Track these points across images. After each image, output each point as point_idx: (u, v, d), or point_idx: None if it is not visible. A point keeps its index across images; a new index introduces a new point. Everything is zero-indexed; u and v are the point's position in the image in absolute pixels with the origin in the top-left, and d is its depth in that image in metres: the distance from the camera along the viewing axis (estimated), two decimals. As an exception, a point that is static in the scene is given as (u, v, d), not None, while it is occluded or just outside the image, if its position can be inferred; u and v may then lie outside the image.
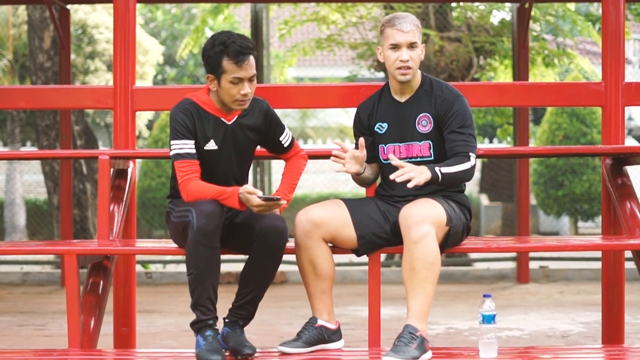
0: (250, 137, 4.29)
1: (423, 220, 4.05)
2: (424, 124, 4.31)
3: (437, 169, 4.14)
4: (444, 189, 4.32)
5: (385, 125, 4.37)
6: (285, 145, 4.43)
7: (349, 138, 21.34)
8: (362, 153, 4.28)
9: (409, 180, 4.06)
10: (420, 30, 4.31)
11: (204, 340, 4.04)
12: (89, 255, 4.64)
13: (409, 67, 4.27)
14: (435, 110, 4.30)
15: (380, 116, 4.39)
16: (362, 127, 4.43)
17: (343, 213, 4.27)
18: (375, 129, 4.39)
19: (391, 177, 4.11)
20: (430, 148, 4.31)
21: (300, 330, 4.25)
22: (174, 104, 4.27)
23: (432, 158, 4.30)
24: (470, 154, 4.25)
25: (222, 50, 4.09)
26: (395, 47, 4.27)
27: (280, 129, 4.39)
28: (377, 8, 11.29)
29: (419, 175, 4.08)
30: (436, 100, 4.31)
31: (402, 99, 4.38)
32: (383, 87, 4.47)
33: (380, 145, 4.38)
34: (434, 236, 4.07)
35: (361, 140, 4.29)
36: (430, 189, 4.30)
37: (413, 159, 4.30)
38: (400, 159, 4.30)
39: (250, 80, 4.14)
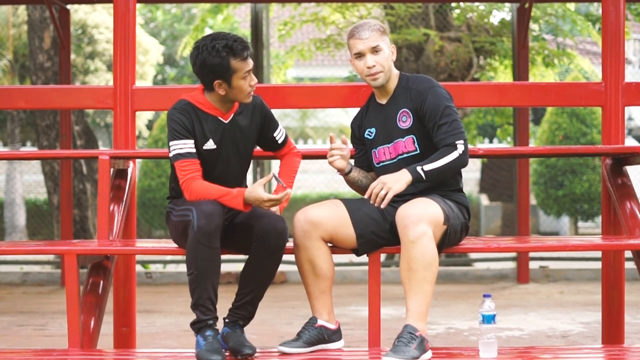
0: (247, 134, 4.30)
1: (420, 220, 4.05)
2: (404, 119, 4.33)
3: (418, 168, 4.16)
4: (442, 186, 4.31)
5: (373, 130, 4.42)
6: (280, 141, 4.45)
7: (349, 138, 21.31)
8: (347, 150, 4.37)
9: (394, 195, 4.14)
10: (382, 32, 4.33)
11: (204, 340, 4.04)
12: (89, 255, 4.64)
13: (377, 72, 4.30)
14: (412, 103, 4.31)
15: (368, 123, 4.46)
16: (355, 139, 4.55)
17: (342, 213, 4.27)
18: (365, 136, 4.44)
19: (366, 196, 4.21)
20: (414, 142, 4.31)
21: (300, 330, 4.25)
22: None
23: (419, 152, 4.29)
24: (457, 142, 4.22)
25: (228, 53, 4.10)
26: (359, 55, 4.32)
27: (274, 124, 4.41)
28: (377, 8, 11.29)
29: (395, 183, 4.12)
30: (411, 94, 4.33)
31: (384, 101, 4.41)
32: (370, 95, 4.52)
33: (372, 150, 4.43)
34: (431, 235, 4.07)
35: (343, 137, 4.39)
36: (426, 186, 4.30)
37: (401, 157, 4.32)
38: (390, 158, 4.34)
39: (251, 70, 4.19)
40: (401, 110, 4.34)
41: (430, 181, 4.21)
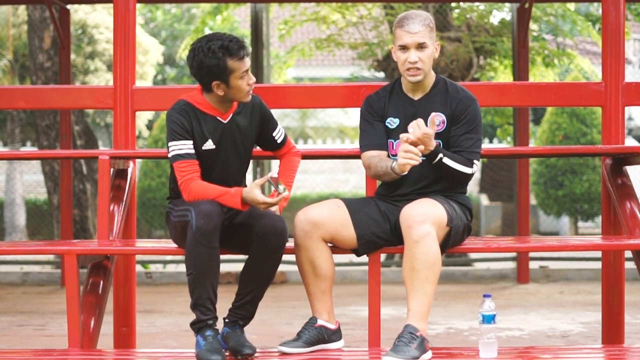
0: (246, 134, 4.30)
1: (424, 220, 4.05)
2: (437, 123, 4.29)
3: (441, 154, 4.18)
4: (445, 189, 4.32)
5: (396, 121, 4.35)
6: (279, 141, 4.44)
7: (349, 138, 21.34)
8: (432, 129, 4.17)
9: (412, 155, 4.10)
10: (431, 29, 4.28)
11: (204, 340, 4.04)
12: (89, 255, 4.64)
13: (418, 69, 4.26)
14: (450, 110, 4.29)
15: (391, 112, 4.37)
16: (376, 115, 4.38)
17: (342, 213, 4.27)
18: (386, 124, 4.38)
19: (409, 128, 4.13)
20: (440, 147, 4.30)
21: (300, 330, 4.25)
22: (174, 105, 4.27)
23: None
24: (474, 161, 4.27)
25: (224, 53, 4.10)
26: (404, 48, 4.27)
27: (274, 124, 4.40)
28: (377, 8, 11.29)
29: (425, 144, 4.10)
30: (452, 101, 4.30)
31: (416, 97, 4.37)
32: (394, 83, 4.44)
33: (389, 141, 4.37)
34: (435, 236, 4.07)
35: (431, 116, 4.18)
36: (430, 189, 4.30)
37: (423, 157, 4.30)
38: None
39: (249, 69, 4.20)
40: (435, 113, 4.31)
41: (435, 167, 4.22)
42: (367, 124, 4.39)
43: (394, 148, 4.35)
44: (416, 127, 4.11)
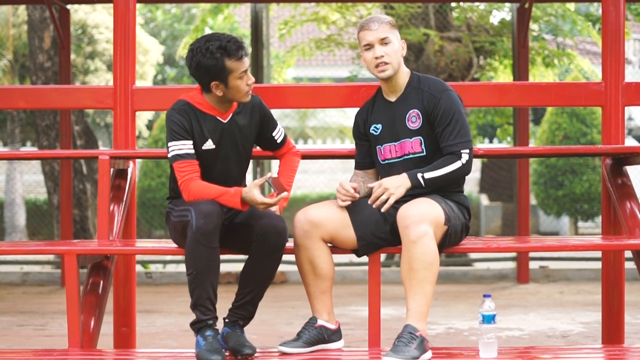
0: (246, 134, 4.30)
1: (421, 220, 4.05)
2: (413, 120, 4.32)
3: (418, 175, 4.19)
4: (442, 188, 4.31)
5: (379, 126, 4.39)
6: (278, 141, 4.44)
7: (349, 138, 21.34)
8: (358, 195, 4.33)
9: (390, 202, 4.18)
10: (392, 26, 4.33)
11: (204, 340, 4.04)
12: (89, 255, 4.64)
13: (385, 63, 4.29)
14: (423, 106, 4.31)
15: (374, 118, 4.42)
16: (359, 134, 4.50)
17: (342, 213, 4.27)
18: (371, 131, 4.42)
19: (369, 202, 4.23)
20: (421, 144, 4.31)
21: (300, 330, 4.25)
22: (174, 105, 4.27)
23: (425, 154, 4.30)
24: (462, 151, 4.24)
25: (222, 54, 4.10)
26: (368, 46, 4.31)
27: (273, 124, 4.40)
28: (377, 8, 11.30)
29: (397, 189, 4.16)
30: (423, 96, 4.32)
31: (393, 99, 4.39)
32: (377, 91, 4.50)
33: (377, 147, 4.40)
34: (432, 236, 4.07)
35: (354, 185, 4.31)
36: (427, 190, 4.30)
37: (406, 157, 4.31)
38: (395, 157, 4.33)
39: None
40: (411, 111, 4.32)
41: (430, 188, 4.22)
42: (355, 141, 4.54)
43: (382, 153, 4.38)
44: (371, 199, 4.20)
